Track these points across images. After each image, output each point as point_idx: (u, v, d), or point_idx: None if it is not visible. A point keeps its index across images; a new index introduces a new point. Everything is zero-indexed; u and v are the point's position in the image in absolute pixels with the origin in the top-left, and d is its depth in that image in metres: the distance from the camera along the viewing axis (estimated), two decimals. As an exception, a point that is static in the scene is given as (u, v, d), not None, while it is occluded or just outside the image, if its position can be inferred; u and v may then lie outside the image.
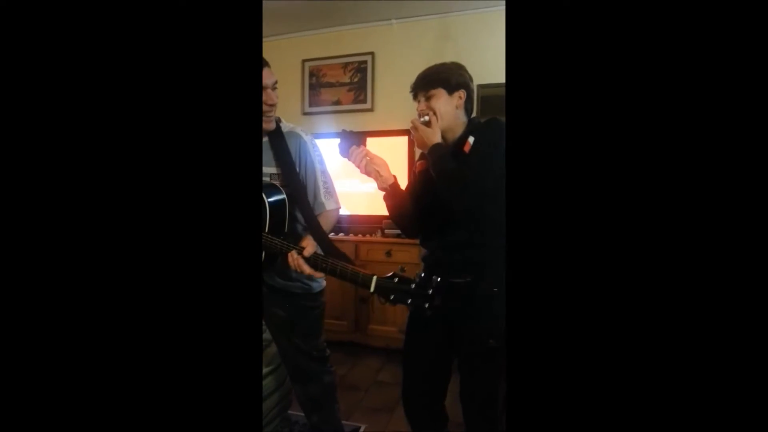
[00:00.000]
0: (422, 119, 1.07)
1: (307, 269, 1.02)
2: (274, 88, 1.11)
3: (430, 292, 0.91)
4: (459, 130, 1.10)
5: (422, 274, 0.94)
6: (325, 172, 1.20)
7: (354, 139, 1.08)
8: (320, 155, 1.20)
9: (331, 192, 1.20)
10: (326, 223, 1.17)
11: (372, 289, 0.94)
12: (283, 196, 1.13)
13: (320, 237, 1.08)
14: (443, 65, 1.13)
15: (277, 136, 1.16)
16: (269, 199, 1.09)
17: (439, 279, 0.92)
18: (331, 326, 2.42)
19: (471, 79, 1.12)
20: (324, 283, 1.31)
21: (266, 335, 1.49)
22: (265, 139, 1.16)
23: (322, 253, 1.05)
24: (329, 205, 1.19)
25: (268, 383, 1.36)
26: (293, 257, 1.02)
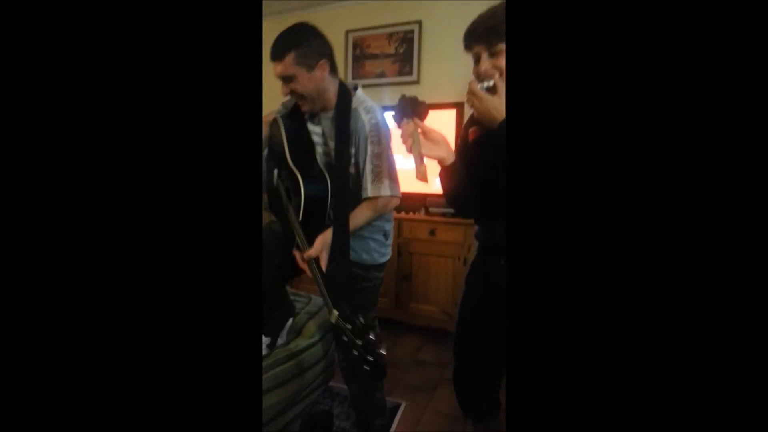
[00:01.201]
0: (485, 84, 0.83)
1: (306, 270, 1.04)
2: (288, 81, 1.07)
3: (370, 359, 0.87)
4: None
5: (373, 336, 0.88)
6: (379, 155, 1.08)
7: (411, 108, 0.88)
8: (377, 135, 1.09)
9: (381, 177, 1.09)
10: (362, 212, 1.10)
11: (333, 321, 0.96)
12: (326, 185, 1.08)
13: (338, 238, 1.04)
14: (500, 9, 0.84)
15: (343, 111, 1.09)
16: (307, 187, 1.05)
17: (384, 351, 0.87)
18: (372, 302, 2.43)
19: None
20: (383, 258, 1.24)
21: (311, 306, 1.50)
22: (331, 113, 1.12)
23: (327, 258, 1.04)
24: (373, 191, 1.09)
25: (314, 352, 1.37)
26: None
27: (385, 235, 1.24)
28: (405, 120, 0.87)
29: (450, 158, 0.89)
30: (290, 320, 1.39)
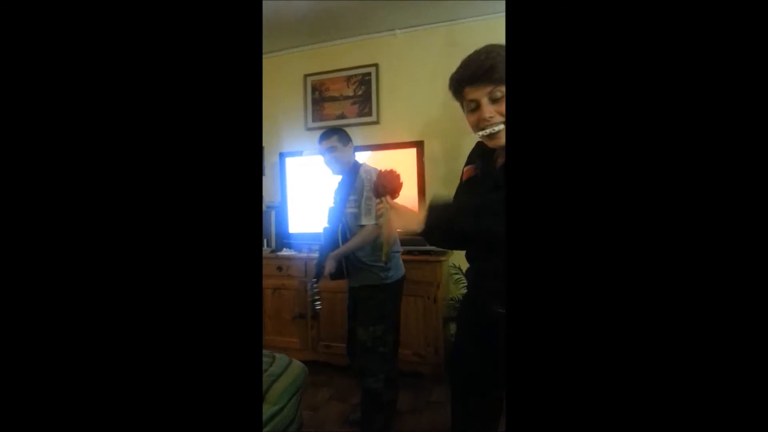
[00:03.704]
0: (488, 131, 0.80)
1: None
2: (331, 151, 1.73)
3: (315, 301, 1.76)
4: None
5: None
6: (369, 197, 1.61)
7: (384, 186, 0.91)
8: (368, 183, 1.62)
9: (369, 211, 1.61)
10: (361, 235, 1.63)
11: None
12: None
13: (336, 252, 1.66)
14: (494, 49, 0.79)
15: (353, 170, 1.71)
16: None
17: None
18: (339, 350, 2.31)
19: None
20: (382, 281, 1.64)
21: (276, 367, 1.39)
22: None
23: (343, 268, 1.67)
24: (364, 221, 1.62)
25: (282, 418, 1.25)
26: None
27: (384, 263, 1.65)
28: (377, 201, 0.91)
29: (419, 228, 0.89)
30: None
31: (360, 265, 1.65)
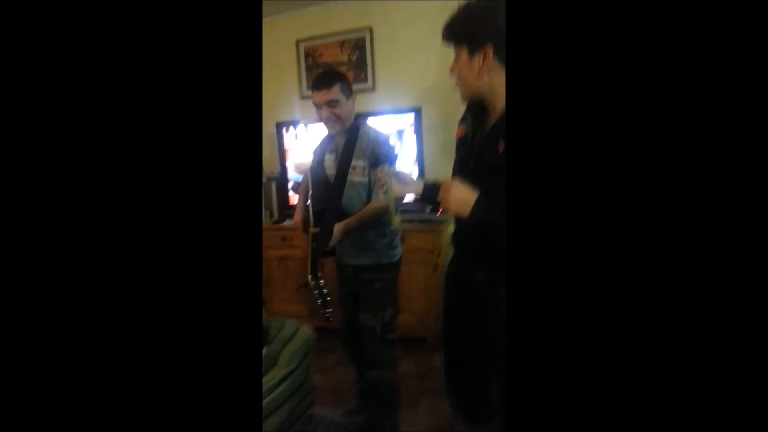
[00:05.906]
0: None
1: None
2: (332, 105, 1.35)
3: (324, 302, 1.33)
4: (499, 103, 0.85)
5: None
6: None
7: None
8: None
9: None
10: (372, 208, 1.37)
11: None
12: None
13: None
14: (475, 3, 0.85)
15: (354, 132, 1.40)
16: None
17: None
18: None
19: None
20: (389, 259, 1.45)
21: (285, 332, 1.44)
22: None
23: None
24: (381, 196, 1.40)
25: (293, 380, 1.31)
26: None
27: (391, 240, 1.47)
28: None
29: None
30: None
31: (365, 243, 1.41)
